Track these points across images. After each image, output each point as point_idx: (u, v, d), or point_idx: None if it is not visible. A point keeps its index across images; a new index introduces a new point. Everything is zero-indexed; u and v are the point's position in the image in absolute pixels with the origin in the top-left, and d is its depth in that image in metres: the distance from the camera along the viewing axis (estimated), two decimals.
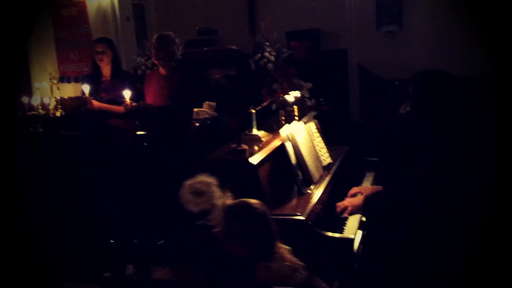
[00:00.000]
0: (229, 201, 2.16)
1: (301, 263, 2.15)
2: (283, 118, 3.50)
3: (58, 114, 6.07)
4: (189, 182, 2.27)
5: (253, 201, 2.15)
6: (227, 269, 2.47)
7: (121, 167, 4.31)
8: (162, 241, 4.15)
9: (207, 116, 5.45)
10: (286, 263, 2.09)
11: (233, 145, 2.81)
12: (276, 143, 3.03)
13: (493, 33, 2.47)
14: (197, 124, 5.04)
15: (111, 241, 4.10)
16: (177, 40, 4.21)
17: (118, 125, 4.37)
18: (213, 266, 2.65)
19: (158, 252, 3.95)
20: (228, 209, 2.13)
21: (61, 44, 6.83)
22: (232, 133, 4.74)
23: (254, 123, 3.09)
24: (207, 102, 5.63)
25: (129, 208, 4.29)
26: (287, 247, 2.19)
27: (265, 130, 3.19)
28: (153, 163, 4.23)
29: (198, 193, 2.22)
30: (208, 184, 2.24)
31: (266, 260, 2.09)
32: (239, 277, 2.32)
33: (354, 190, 3.11)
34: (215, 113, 5.56)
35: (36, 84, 6.55)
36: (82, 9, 6.56)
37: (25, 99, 5.79)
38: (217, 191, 2.21)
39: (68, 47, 6.79)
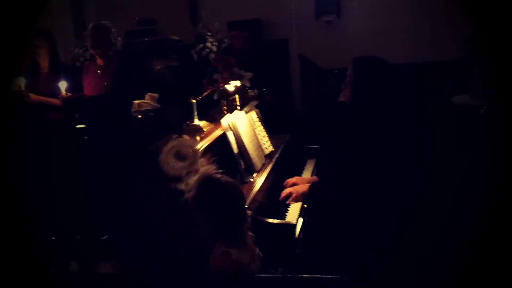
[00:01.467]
0: (211, 172, 2.09)
1: (260, 254, 2.11)
2: (225, 108, 3.53)
3: None
4: (173, 143, 2.20)
5: (233, 180, 2.09)
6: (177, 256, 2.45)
7: (62, 161, 4.22)
8: (106, 236, 4.11)
9: (149, 108, 5.39)
10: (247, 253, 2.03)
11: (175, 136, 2.80)
12: (217, 132, 3.05)
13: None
14: (140, 116, 4.99)
15: (53, 237, 4.02)
16: (113, 30, 4.14)
17: (57, 117, 4.26)
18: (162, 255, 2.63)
19: (102, 247, 3.91)
20: (207, 178, 2.05)
21: None
22: (175, 124, 4.74)
23: (195, 113, 3.10)
24: (149, 94, 5.57)
25: (71, 203, 4.21)
26: (251, 233, 2.13)
27: (207, 120, 3.20)
28: (95, 156, 4.16)
29: (182, 156, 2.15)
30: (194, 150, 2.17)
31: (228, 244, 2.00)
32: (191, 263, 2.30)
33: (290, 181, 3.12)
34: (157, 105, 5.51)
35: None
36: None
37: None
38: (201, 159, 2.16)
39: None
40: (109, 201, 3.89)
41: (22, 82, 4.05)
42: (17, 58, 2.50)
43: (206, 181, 2.03)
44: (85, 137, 4.54)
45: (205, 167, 2.10)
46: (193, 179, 2.05)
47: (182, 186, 2.05)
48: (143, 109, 5.27)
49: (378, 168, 2.52)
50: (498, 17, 2.23)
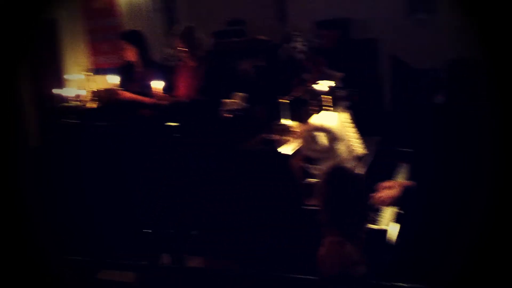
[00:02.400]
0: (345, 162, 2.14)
1: (365, 260, 2.08)
2: (315, 108, 3.47)
3: (91, 105, 6.19)
4: (320, 122, 2.27)
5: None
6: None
7: (154, 157, 4.37)
8: (196, 231, 4.20)
9: (237, 106, 5.47)
10: (359, 251, 2.02)
11: (264, 135, 2.80)
12: (308, 133, 3.00)
13: None
14: (228, 115, 5.06)
15: (148, 230, 4.17)
16: (199, 32, 4.21)
17: (148, 115, 4.41)
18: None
19: (193, 241, 3.99)
20: (342, 168, 2.11)
21: (93, 36, 6.91)
22: (262, 123, 4.76)
23: (286, 113, 3.07)
24: (237, 93, 5.65)
25: (162, 197, 4.34)
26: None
27: (297, 121, 3.16)
28: (185, 154, 4.27)
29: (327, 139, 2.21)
30: (342, 138, 2.23)
31: (344, 236, 2.00)
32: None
33: (386, 183, 3.03)
34: (245, 104, 5.57)
35: (68, 76, 6.66)
36: (112, 1, 6.62)
37: (56, 91, 5.90)
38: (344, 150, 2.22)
39: (100, 39, 6.87)
40: (199, 195, 3.97)
41: (114, 80, 4.22)
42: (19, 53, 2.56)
43: (341, 170, 2.07)
44: (177, 135, 4.69)
45: (340, 156, 2.17)
46: (326, 165, 2.11)
47: (313, 169, 2.12)
48: (230, 108, 5.36)
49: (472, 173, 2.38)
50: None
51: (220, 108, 4.33)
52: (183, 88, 4.18)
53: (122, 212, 4.59)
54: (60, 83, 6.80)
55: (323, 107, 3.46)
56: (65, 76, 7.03)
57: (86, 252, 3.71)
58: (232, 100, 5.51)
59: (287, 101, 3.13)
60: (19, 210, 2.17)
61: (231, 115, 5.11)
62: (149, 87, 4.12)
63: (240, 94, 5.63)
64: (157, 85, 3.99)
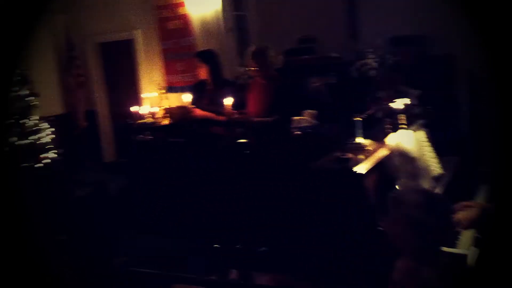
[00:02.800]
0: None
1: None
2: (389, 126, 3.39)
3: (164, 122, 6.39)
4: (395, 142, 2.21)
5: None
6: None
7: (225, 174, 4.42)
8: (264, 248, 4.19)
9: (307, 124, 5.44)
10: (436, 272, 1.93)
11: (338, 154, 2.75)
12: (382, 152, 2.93)
13: None
14: (298, 133, 5.04)
15: (216, 245, 4.20)
16: (272, 51, 4.24)
17: (219, 132, 4.47)
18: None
19: (261, 258, 3.98)
20: (420, 190, 2.03)
21: (167, 55, 7.15)
22: (333, 141, 4.70)
23: (359, 131, 3.02)
24: (307, 111, 5.63)
25: (233, 213, 4.38)
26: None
27: (370, 139, 3.10)
28: (255, 171, 4.29)
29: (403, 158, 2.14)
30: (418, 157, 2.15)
31: (420, 261, 1.92)
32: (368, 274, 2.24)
33: (465, 204, 2.89)
34: (315, 121, 5.54)
35: (145, 94, 6.92)
36: (187, 21, 6.82)
37: (135, 108, 6.14)
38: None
39: (174, 58, 7.10)
40: (270, 212, 3.97)
41: (187, 98, 4.33)
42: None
43: (418, 191, 1.99)
44: (247, 151, 4.72)
45: (417, 177, 2.08)
46: (402, 185, 2.03)
47: (388, 190, 2.05)
48: (301, 125, 5.34)
49: None
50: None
51: (290, 126, 4.33)
52: (255, 106, 4.22)
53: (193, 227, 4.67)
54: (137, 101, 7.08)
55: (399, 126, 3.38)
56: (141, 95, 7.31)
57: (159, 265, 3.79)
58: (303, 118, 5.50)
59: (360, 119, 3.07)
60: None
61: (302, 133, 5.10)
62: (221, 105, 4.18)
63: (311, 111, 5.62)
64: (229, 103, 4.05)
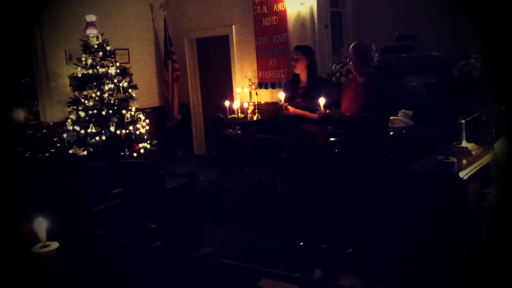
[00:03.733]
0: None
1: None
2: (494, 130, 3.17)
3: (255, 118, 6.43)
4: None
5: None
6: None
7: (315, 172, 4.36)
8: (351, 249, 4.09)
9: (402, 124, 5.24)
10: None
11: (440, 157, 2.60)
12: (487, 157, 2.73)
13: None
14: (392, 133, 4.86)
15: (301, 243, 4.16)
16: (373, 47, 4.08)
17: (311, 130, 4.39)
18: None
19: (347, 259, 3.88)
20: None
21: (261, 51, 7.20)
22: (428, 144, 4.48)
23: (464, 134, 2.83)
24: (402, 111, 5.41)
25: (321, 212, 4.31)
26: None
27: (474, 143, 2.90)
28: (346, 170, 4.18)
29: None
30: None
31: None
32: None
33: None
34: (410, 122, 5.32)
35: (237, 89, 7.02)
36: (283, 18, 6.82)
37: (227, 103, 6.24)
38: None
39: (267, 55, 7.13)
40: (361, 213, 3.86)
41: (281, 95, 4.30)
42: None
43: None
44: (336, 150, 4.63)
45: None
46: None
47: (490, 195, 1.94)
48: (395, 125, 5.15)
49: None
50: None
51: (387, 125, 4.17)
52: (349, 104, 4.09)
53: (281, 224, 4.66)
54: (229, 96, 7.19)
55: (505, 130, 3.14)
56: (234, 90, 7.41)
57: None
58: (398, 118, 5.30)
59: (464, 121, 2.88)
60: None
61: (394, 132, 4.91)
62: (314, 102, 4.11)
63: (406, 112, 5.40)
64: (323, 102, 3.96)
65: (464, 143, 2.83)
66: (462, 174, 2.45)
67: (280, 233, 4.68)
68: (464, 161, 2.68)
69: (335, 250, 4.22)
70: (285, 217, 4.75)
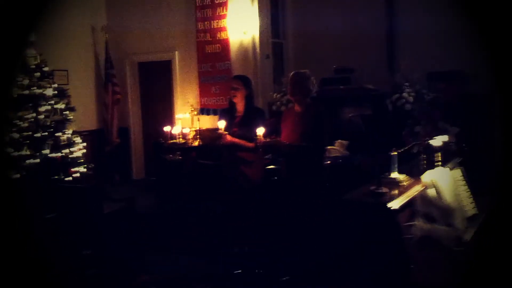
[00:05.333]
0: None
1: None
2: (425, 162, 3.33)
3: (196, 143, 6.43)
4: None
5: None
6: None
7: (252, 199, 4.41)
8: (287, 277, 4.13)
9: (338, 154, 5.40)
10: None
11: (372, 187, 2.70)
12: (417, 188, 2.86)
13: None
14: (328, 162, 5.00)
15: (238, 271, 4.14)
16: (312, 78, 4.23)
17: (247, 158, 4.46)
18: None
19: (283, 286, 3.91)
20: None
21: (204, 78, 7.25)
22: (363, 173, 4.64)
23: (395, 165, 2.96)
24: (339, 141, 5.59)
25: (256, 239, 4.34)
26: None
27: (406, 174, 3.04)
28: (282, 198, 4.26)
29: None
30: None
31: None
32: None
33: None
34: (347, 152, 5.49)
35: (178, 115, 7.00)
36: (226, 46, 6.92)
37: (167, 128, 6.21)
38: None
39: (210, 81, 7.19)
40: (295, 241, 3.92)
41: (221, 124, 4.35)
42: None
43: (428, 238, 1.95)
44: (275, 178, 4.70)
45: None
46: (424, 226, 2.00)
47: (414, 228, 2.02)
48: (332, 155, 5.30)
49: None
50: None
51: (323, 155, 4.30)
52: (288, 133, 4.19)
53: (216, 249, 4.65)
54: (170, 121, 7.16)
55: (435, 163, 3.31)
56: (175, 115, 7.40)
57: None
58: (334, 148, 5.46)
59: (396, 153, 3.02)
60: None
61: (331, 162, 5.06)
62: (251, 131, 4.18)
63: (343, 142, 5.57)
64: (261, 132, 4.03)
65: (396, 174, 2.95)
66: (392, 204, 2.55)
67: (221, 258, 4.67)
68: (396, 192, 2.79)
69: (272, 277, 4.26)
70: (224, 243, 4.75)
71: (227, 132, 4.37)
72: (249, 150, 4.37)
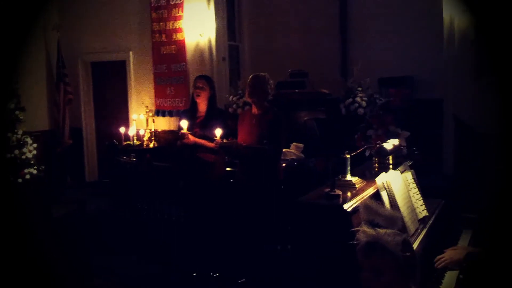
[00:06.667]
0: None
1: None
2: (377, 165, 3.43)
3: (151, 145, 6.36)
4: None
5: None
6: None
7: (210, 201, 4.42)
8: (243, 279, 4.15)
9: (294, 157, 5.47)
10: None
11: (326, 189, 2.76)
12: (370, 190, 2.94)
13: None
14: (284, 165, 5.06)
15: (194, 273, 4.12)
16: (270, 81, 4.28)
17: (208, 159, 4.47)
18: None
19: None
20: (377, 243, 2.03)
21: (159, 79, 7.18)
22: (318, 175, 4.72)
23: (348, 168, 3.03)
24: (294, 144, 5.66)
25: (212, 241, 4.32)
26: None
27: (358, 177, 3.11)
28: (239, 201, 4.28)
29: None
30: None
31: None
32: None
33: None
34: (302, 155, 5.57)
35: (133, 116, 6.91)
36: (181, 47, 6.88)
37: (122, 130, 6.12)
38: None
39: (165, 83, 7.12)
40: (250, 243, 3.94)
41: (184, 124, 4.33)
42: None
43: (374, 244, 1.98)
44: (231, 180, 4.72)
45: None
46: (369, 232, 2.02)
47: (359, 234, 2.05)
48: (288, 158, 5.37)
49: None
50: None
51: (279, 158, 4.35)
52: (245, 135, 4.22)
53: (171, 253, 4.62)
54: (124, 122, 7.05)
55: (387, 165, 3.41)
56: (130, 116, 7.29)
57: None
58: (290, 150, 5.53)
59: (349, 156, 3.09)
60: None
61: (286, 164, 5.12)
62: (210, 132, 4.19)
63: (298, 145, 5.65)
64: (219, 132, 4.05)
65: (349, 177, 3.02)
66: (346, 206, 2.61)
67: (175, 263, 4.65)
68: (349, 194, 2.86)
69: (228, 280, 4.28)
70: (180, 246, 4.73)
71: (189, 132, 4.35)
72: (212, 151, 4.37)
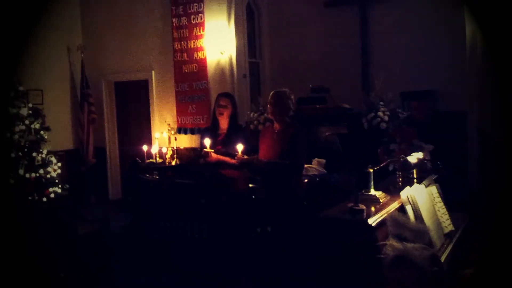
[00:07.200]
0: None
1: None
2: (401, 179, 3.38)
3: (173, 163, 6.40)
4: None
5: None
6: None
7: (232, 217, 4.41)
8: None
9: (316, 172, 5.45)
10: None
11: (350, 204, 2.73)
12: (394, 205, 2.90)
13: None
14: (306, 180, 5.04)
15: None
16: (292, 97, 4.28)
17: (230, 175, 4.48)
18: None
19: None
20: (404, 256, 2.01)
21: (181, 97, 7.25)
22: (340, 191, 4.68)
23: (372, 183, 3.00)
24: (316, 159, 5.65)
25: (233, 259, 4.30)
26: None
27: (382, 191, 3.07)
28: (261, 216, 4.27)
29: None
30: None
31: None
32: None
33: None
34: (324, 170, 5.55)
35: (155, 134, 6.98)
36: (203, 65, 6.95)
37: (145, 148, 6.18)
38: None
39: (187, 101, 7.19)
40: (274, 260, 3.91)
41: (207, 142, 4.35)
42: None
43: (402, 258, 1.95)
44: (253, 196, 4.71)
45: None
46: (397, 245, 2.00)
47: (386, 247, 2.02)
48: (309, 173, 5.34)
49: None
50: None
51: (301, 173, 4.33)
52: (266, 151, 4.22)
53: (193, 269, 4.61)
54: (147, 141, 7.12)
55: (411, 179, 3.37)
56: (152, 134, 7.37)
57: None
58: (312, 166, 5.51)
59: (372, 170, 3.06)
60: None
61: (308, 180, 5.09)
62: (234, 149, 4.20)
63: (320, 160, 5.63)
64: (240, 148, 4.06)
65: (372, 191, 2.99)
66: (370, 221, 2.58)
67: (200, 279, 4.63)
68: (373, 209, 2.82)
69: None
70: (204, 264, 4.72)
71: (212, 150, 4.38)
72: (234, 167, 4.39)
